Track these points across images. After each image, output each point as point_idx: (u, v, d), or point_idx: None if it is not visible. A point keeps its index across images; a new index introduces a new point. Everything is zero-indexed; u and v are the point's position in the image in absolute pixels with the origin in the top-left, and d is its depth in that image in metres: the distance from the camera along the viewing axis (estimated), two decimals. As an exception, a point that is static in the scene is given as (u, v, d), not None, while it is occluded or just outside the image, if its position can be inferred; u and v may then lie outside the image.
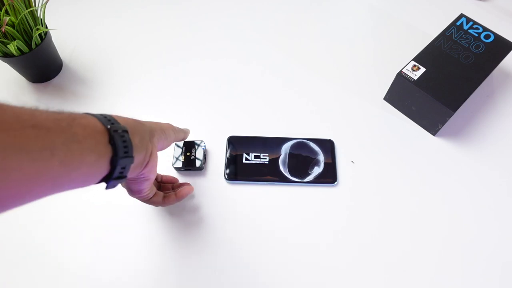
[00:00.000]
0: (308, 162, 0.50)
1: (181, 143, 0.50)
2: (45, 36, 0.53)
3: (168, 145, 0.41)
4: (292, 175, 0.49)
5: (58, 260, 0.44)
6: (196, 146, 0.50)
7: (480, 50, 0.53)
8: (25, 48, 0.51)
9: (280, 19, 0.66)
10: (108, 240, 0.45)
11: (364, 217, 0.47)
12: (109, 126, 0.29)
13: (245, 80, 0.59)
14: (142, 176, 0.35)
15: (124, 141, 0.30)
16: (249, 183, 0.49)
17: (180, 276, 0.43)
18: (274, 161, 0.50)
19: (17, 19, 0.49)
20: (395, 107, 0.56)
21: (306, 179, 0.49)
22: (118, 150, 0.29)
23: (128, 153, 0.30)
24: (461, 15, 0.57)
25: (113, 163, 0.29)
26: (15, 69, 0.56)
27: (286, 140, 0.52)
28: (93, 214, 0.47)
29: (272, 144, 0.52)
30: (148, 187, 0.38)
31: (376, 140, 0.53)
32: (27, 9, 0.49)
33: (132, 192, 0.38)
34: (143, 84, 0.59)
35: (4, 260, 0.44)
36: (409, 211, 0.47)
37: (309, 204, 0.48)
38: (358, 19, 0.67)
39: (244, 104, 0.56)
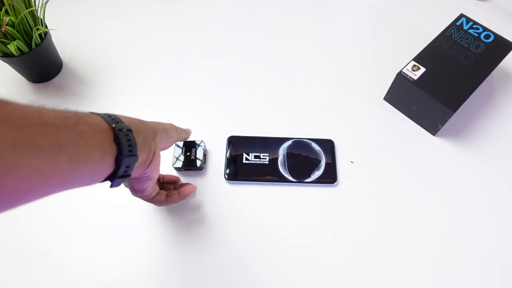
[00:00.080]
0: (308, 162, 0.50)
1: (181, 143, 0.50)
2: (45, 36, 0.53)
3: (171, 145, 0.41)
4: (292, 175, 0.49)
5: (58, 260, 0.44)
6: (196, 146, 0.50)
7: (480, 50, 0.53)
8: (25, 48, 0.51)
9: (280, 19, 0.66)
10: (108, 240, 0.46)
11: (364, 217, 0.47)
12: (113, 125, 0.30)
13: (245, 80, 0.59)
14: (145, 175, 0.36)
15: (129, 140, 0.30)
16: (249, 183, 0.49)
17: (180, 276, 0.43)
18: (274, 161, 0.50)
19: (17, 19, 0.49)
20: (395, 107, 0.56)
21: (306, 179, 0.49)
22: (122, 149, 0.29)
23: (132, 152, 0.30)
24: (461, 15, 0.57)
25: (117, 161, 0.29)
26: (15, 69, 0.56)
27: (286, 140, 0.52)
28: (93, 214, 0.47)
29: (272, 144, 0.52)
30: (151, 186, 0.38)
31: (376, 140, 0.53)
32: (27, 9, 0.49)
33: (135, 191, 0.39)
34: (143, 84, 0.59)
35: (4, 260, 0.44)
36: (409, 211, 0.47)
37: (309, 204, 0.48)
38: (358, 19, 0.67)
39: (244, 104, 0.56)
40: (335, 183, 0.49)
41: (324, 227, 0.46)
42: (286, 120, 0.55)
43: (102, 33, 0.64)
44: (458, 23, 0.56)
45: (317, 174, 0.49)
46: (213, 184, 0.49)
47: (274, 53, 0.62)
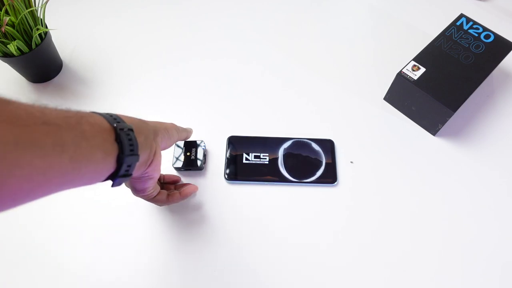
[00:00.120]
0: (308, 162, 0.50)
1: (181, 143, 0.50)
2: (45, 36, 0.53)
3: (172, 145, 0.41)
4: (292, 175, 0.49)
5: (58, 260, 0.44)
6: (196, 146, 0.50)
7: (480, 50, 0.53)
8: (25, 48, 0.51)
9: (280, 19, 0.66)
10: (108, 240, 0.46)
11: (364, 217, 0.47)
12: (115, 125, 0.30)
13: (245, 80, 0.59)
14: (146, 174, 0.36)
15: (130, 140, 0.30)
16: (249, 183, 0.49)
17: (180, 276, 0.43)
18: (274, 161, 0.50)
19: (17, 19, 0.49)
20: (395, 107, 0.56)
21: (306, 179, 0.49)
22: (124, 148, 0.29)
23: (133, 151, 0.30)
24: (461, 15, 0.57)
25: (119, 160, 0.29)
26: (15, 69, 0.56)
27: (286, 140, 0.52)
28: (93, 214, 0.47)
29: (272, 144, 0.52)
30: (152, 186, 0.39)
31: (376, 140, 0.53)
32: (27, 9, 0.49)
33: (137, 191, 0.39)
34: (143, 84, 0.59)
35: (4, 260, 0.44)
36: (409, 211, 0.47)
37: (309, 204, 0.48)
38: (358, 19, 0.67)
39: (244, 104, 0.56)
40: (335, 183, 0.49)
41: (324, 227, 0.46)
42: (286, 120, 0.55)
43: (102, 33, 0.64)
44: (458, 23, 0.56)
45: (317, 174, 0.49)
46: (213, 184, 0.49)
47: (274, 53, 0.62)
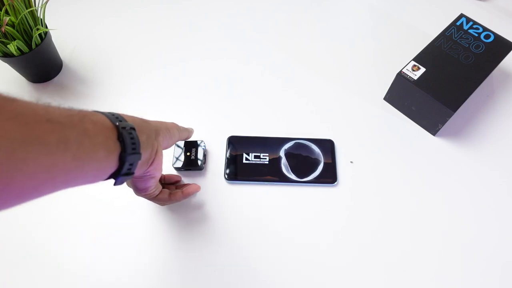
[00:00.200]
0: (308, 162, 0.50)
1: (181, 143, 0.50)
2: (45, 36, 0.53)
3: (173, 144, 0.41)
4: (292, 175, 0.49)
5: (58, 260, 0.44)
6: (196, 146, 0.50)
7: (480, 50, 0.53)
8: (25, 48, 0.51)
9: (280, 19, 0.66)
10: (108, 239, 0.46)
11: (364, 217, 0.47)
12: (117, 123, 0.30)
13: (245, 80, 0.59)
14: (148, 173, 0.36)
15: (132, 138, 0.30)
16: (249, 183, 0.49)
17: (180, 275, 0.43)
18: (274, 161, 0.50)
19: (17, 19, 0.49)
20: (395, 107, 0.56)
21: (306, 179, 0.49)
22: (126, 147, 0.30)
23: (135, 150, 0.31)
24: (461, 15, 0.57)
25: (121, 159, 0.30)
26: (15, 69, 0.56)
27: (286, 140, 0.52)
28: (94, 214, 0.47)
29: (272, 144, 0.52)
30: (154, 185, 0.39)
31: (376, 140, 0.53)
32: (27, 9, 0.49)
33: (138, 190, 0.39)
34: (143, 84, 0.59)
35: (4, 260, 0.44)
36: (409, 211, 0.47)
37: (309, 204, 0.48)
38: (358, 19, 0.67)
39: (244, 104, 0.56)
40: (335, 183, 0.49)
41: (324, 227, 0.46)
42: (286, 120, 0.55)
43: (102, 33, 0.64)
44: (458, 23, 0.56)
45: (317, 174, 0.49)
46: (213, 184, 0.49)
47: (274, 53, 0.62)
